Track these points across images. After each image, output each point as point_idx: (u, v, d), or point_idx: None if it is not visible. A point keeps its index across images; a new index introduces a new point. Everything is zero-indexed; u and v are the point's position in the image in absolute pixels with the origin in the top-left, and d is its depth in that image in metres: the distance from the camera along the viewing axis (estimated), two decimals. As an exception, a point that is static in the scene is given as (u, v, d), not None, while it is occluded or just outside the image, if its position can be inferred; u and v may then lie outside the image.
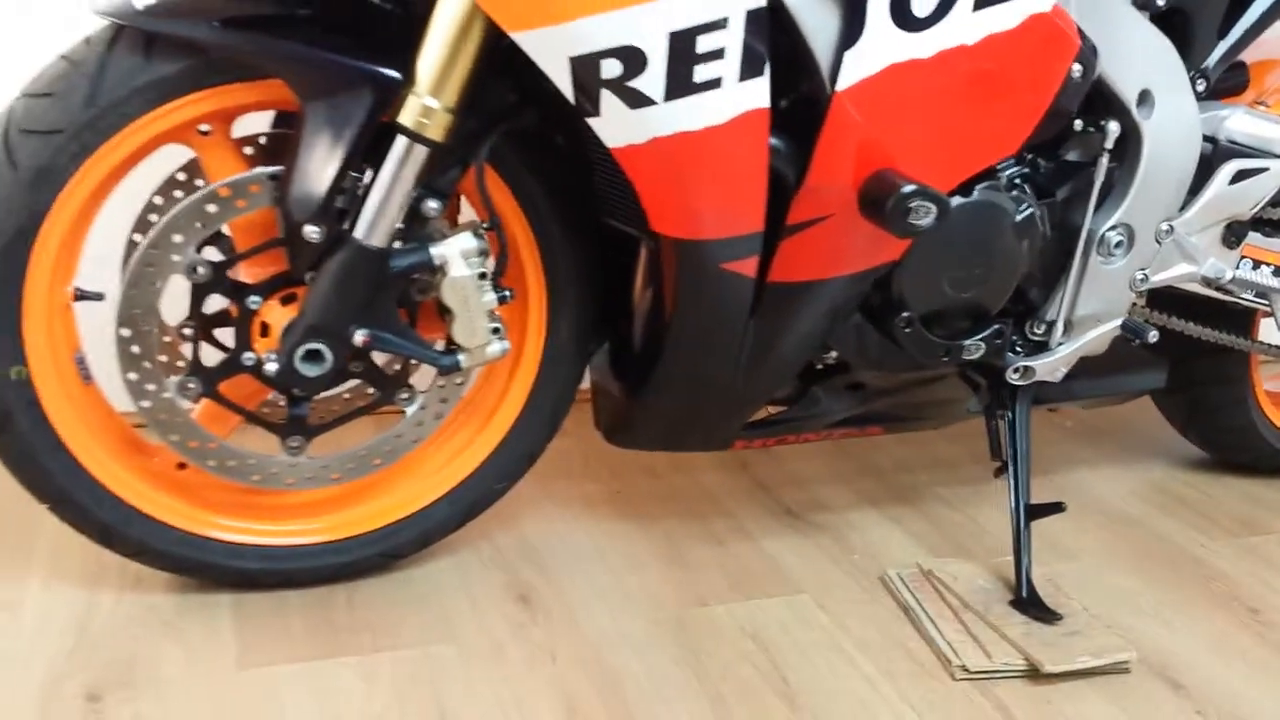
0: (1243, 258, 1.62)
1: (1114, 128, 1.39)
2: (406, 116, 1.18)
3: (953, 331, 1.42)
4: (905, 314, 1.37)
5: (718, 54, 1.12)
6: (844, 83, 1.17)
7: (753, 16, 1.11)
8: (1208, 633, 1.49)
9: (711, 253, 1.25)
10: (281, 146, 1.32)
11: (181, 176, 1.34)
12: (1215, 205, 1.53)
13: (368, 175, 1.22)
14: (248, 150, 1.31)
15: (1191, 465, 2.00)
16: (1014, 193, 1.37)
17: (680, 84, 1.12)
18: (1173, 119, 1.43)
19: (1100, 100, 1.38)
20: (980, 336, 1.43)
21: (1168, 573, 1.64)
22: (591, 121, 1.16)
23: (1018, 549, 1.50)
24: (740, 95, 1.14)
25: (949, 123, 1.24)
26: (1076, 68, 1.28)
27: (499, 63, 1.20)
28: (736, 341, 1.34)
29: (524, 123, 1.27)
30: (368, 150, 1.20)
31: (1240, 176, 1.53)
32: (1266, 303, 1.66)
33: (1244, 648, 1.46)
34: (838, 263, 1.31)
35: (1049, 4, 1.23)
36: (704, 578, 1.53)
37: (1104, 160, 1.41)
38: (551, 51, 1.11)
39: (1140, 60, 1.40)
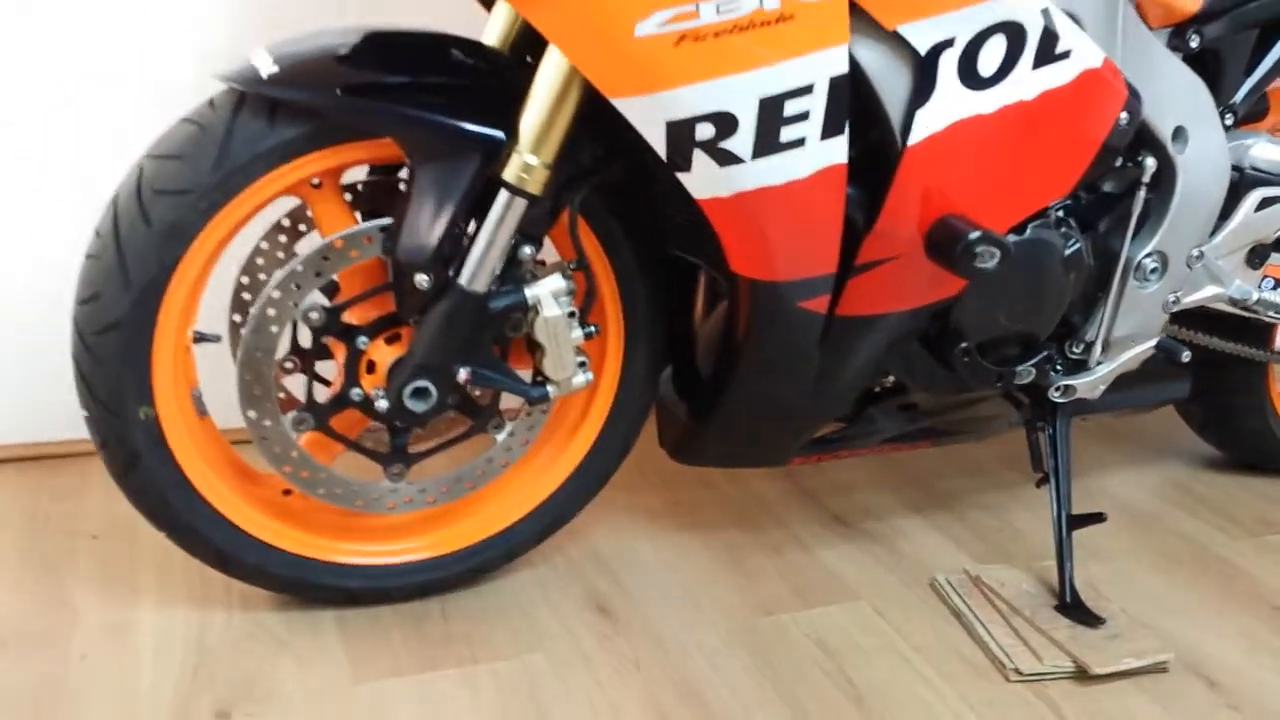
0: (1265, 277, 1.72)
1: (1151, 163, 1.49)
2: (509, 173, 1.27)
3: (1006, 358, 1.52)
4: (963, 344, 1.47)
5: (803, 116, 1.21)
6: (914, 138, 1.27)
7: (836, 82, 1.20)
8: (1235, 630, 1.60)
9: (787, 292, 1.34)
10: (378, 191, 1.42)
11: (286, 223, 1.43)
12: (1242, 231, 1.63)
13: (471, 225, 1.30)
14: (348, 196, 1.40)
15: (1207, 465, 2.11)
16: (1062, 229, 1.46)
17: (767, 144, 1.21)
18: (1204, 153, 1.53)
19: (1138, 137, 1.47)
20: (1031, 362, 1.53)
21: (1194, 572, 1.75)
22: (681, 175, 1.25)
23: (1060, 556, 1.61)
24: (821, 152, 1.24)
25: (1008, 170, 1.34)
26: (1124, 116, 1.38)
27: (590, 118, 1.28)
28: (805, 370, 1.43)
29: (612, 174, 1.35)
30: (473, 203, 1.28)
31: (1265, 204, 1.64)
32: (1287, 319, 1.77)
33: (1268, 643, 1.57)
34: (901, 298, 1.40)
35: (1099, 59, 1.32)
36: (767, 586, 1.64)
37: (1141, 193, 1.51)
38: (650, 116, 1.20)
39: (1175, 99, 1.49)
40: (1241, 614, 1.65)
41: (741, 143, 1.21)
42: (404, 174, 1.36)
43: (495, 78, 1.31)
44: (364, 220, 1.40)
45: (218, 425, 1.44)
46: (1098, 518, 1.62)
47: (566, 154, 1.29)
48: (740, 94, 1.18)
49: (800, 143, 1.22)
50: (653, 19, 1.12)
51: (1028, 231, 1.42)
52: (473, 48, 1.34)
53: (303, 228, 1.43)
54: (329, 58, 1.25)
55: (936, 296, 1.42)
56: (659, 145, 1.22)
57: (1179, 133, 1.50)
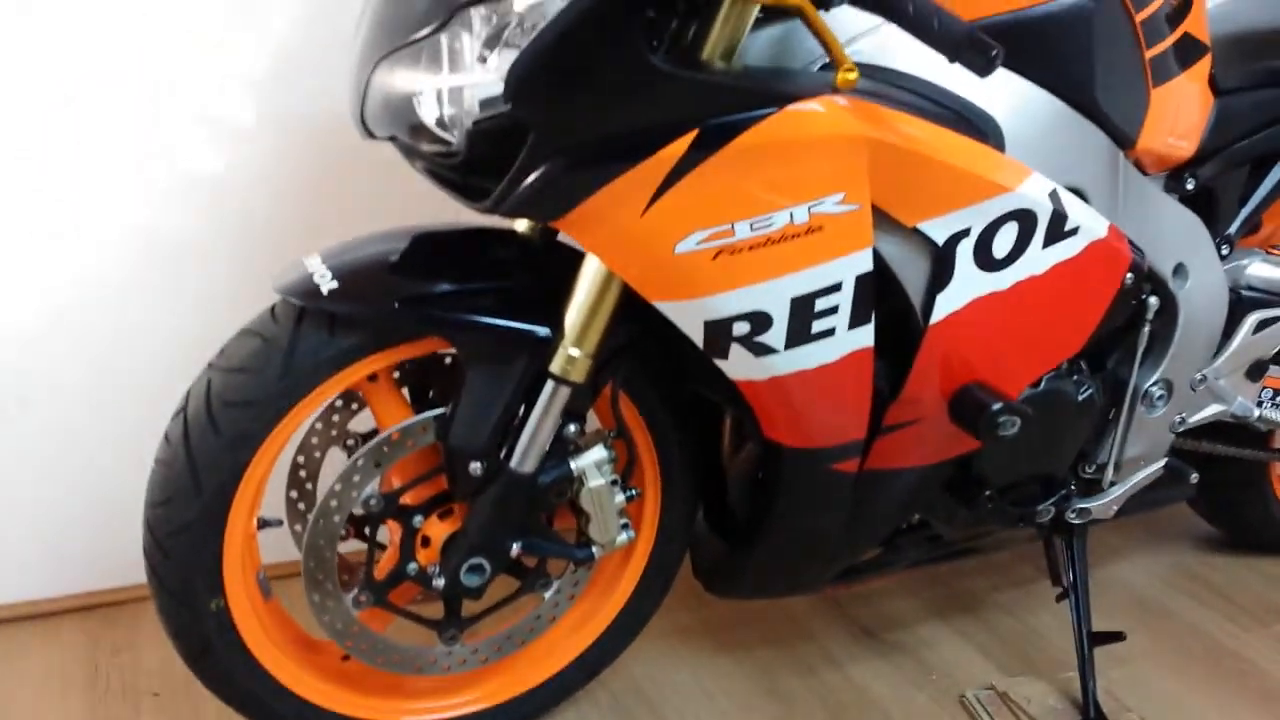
0: (1264, 387, 1.80)
1: (1154, 301, 1.56)
2: (555, 366, 1.34)
3: (1026, 498, 1.60)
4: (986, 492, 1.54)
5: (832, 310, 1.28)
6: (935, 318, 1.34)
7: (862, 278, 1.28)
8: (1250, 733, 1.69)
9: (818, 457, 1.42)
10: (424, 369, 1.48)
11: (339, 403, 1.49)
12: (1241, 353, 1.71)
13: (520, 411, 1.37)
14: (395, 374, 1.46)
15: (1213, 547, 2.20)
16: (1075, 376, 1.54)
17: (799, 336, 1.29)
18: (1204, 285, 1.61)
19: (1142, 278, 1.55)
20: (1051, 500, 1.61)
21: (1208, 669, 1.83)
22: (717, 361, 1.32)
23: (1083, 672, 1.68)
24: (850, 339, 1.31)
25: (1024, 338, 1.41)
26: (1129, 276, 1.45)
27: (628, 304, 1.35)
28: (837, 519, 1.51)
29: (648, 353, 1.42)
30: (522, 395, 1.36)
31: (1262, 325, 1.72)
32: (1288, 426, 1.85)
33: (1283, 748, 1.66)
34: (925, 454, 1.48)
35: (1105, 229, 1.40)
36: (804, 712, 1.70)
37: (1145, 329, 1.59)
38: (689, 316, 1.27)
39: (1174, 239, 1.57)
40: (1256, 715, 1.72)
41: (775, 336, 1.28)
42: (448, 349, 1.43)
43: (535, 271, 1.38)
44: (410, 396, 1.48)
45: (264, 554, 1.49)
46: (1117, 636, 1.69)
47: (605, 341, 1.36)
48: (773, 296, 1.25)
49: (830, 333, 1.30)
50: (691, 238, 1.20)
51: (1043, 384, 1.50)
52: (509, 239, 1.42)
53: (355, 406, 1.50)
54: (382, 268, 1.32)
55: (958, 451, 1.49)
56: (697, 339, 1.29)
57: (1179, 269, 1.58)
